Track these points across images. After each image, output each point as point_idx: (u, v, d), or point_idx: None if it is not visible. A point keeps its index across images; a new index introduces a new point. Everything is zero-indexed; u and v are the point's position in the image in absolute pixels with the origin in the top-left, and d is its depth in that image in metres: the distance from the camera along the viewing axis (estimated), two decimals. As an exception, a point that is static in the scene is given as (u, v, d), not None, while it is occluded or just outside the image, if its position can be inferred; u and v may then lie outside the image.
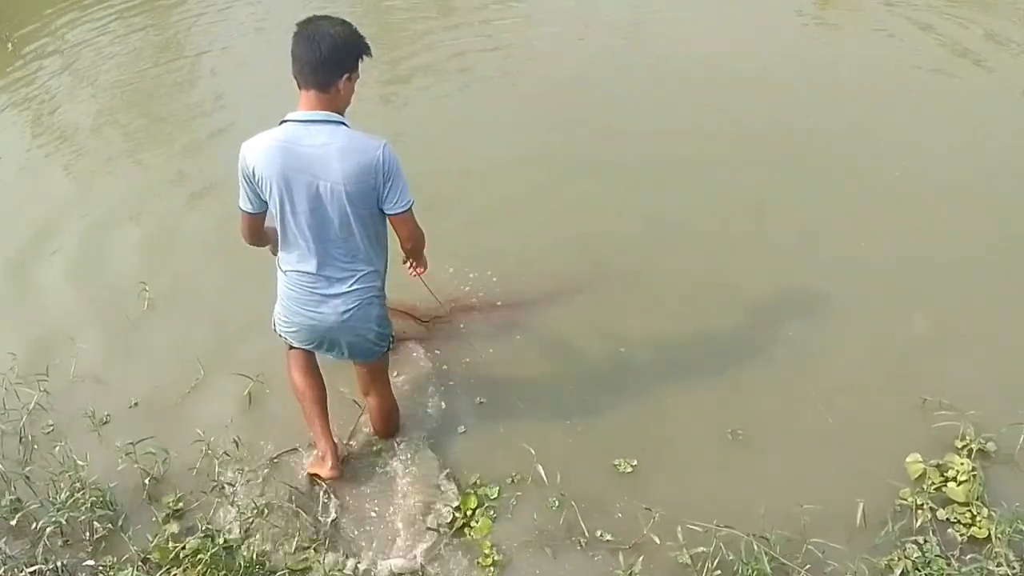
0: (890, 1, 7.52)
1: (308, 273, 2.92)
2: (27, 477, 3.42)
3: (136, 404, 3.86)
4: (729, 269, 4.48)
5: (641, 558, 3.11)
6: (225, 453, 3.54)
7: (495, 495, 3.37)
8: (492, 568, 3.14)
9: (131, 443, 3.43)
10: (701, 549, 3.07)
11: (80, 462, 3.40)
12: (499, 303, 4.29)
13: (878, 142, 5.51)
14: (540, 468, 3.34)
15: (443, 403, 3.80)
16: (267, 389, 3.83)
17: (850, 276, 4.41)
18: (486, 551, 3.17)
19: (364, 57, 2.74)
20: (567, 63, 6.65)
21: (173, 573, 3.02)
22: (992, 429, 3.49)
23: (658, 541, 3.12)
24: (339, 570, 3.10)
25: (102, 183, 5.52)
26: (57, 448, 3.50)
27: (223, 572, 3.01)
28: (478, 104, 6.21)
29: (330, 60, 2.63)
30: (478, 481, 3.44)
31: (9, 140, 6.19)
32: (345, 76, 2.67)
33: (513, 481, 3.41)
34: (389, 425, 3.55)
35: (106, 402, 3.86)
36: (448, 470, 3.49)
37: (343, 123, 2.72)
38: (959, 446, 3.42)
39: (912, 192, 4.99)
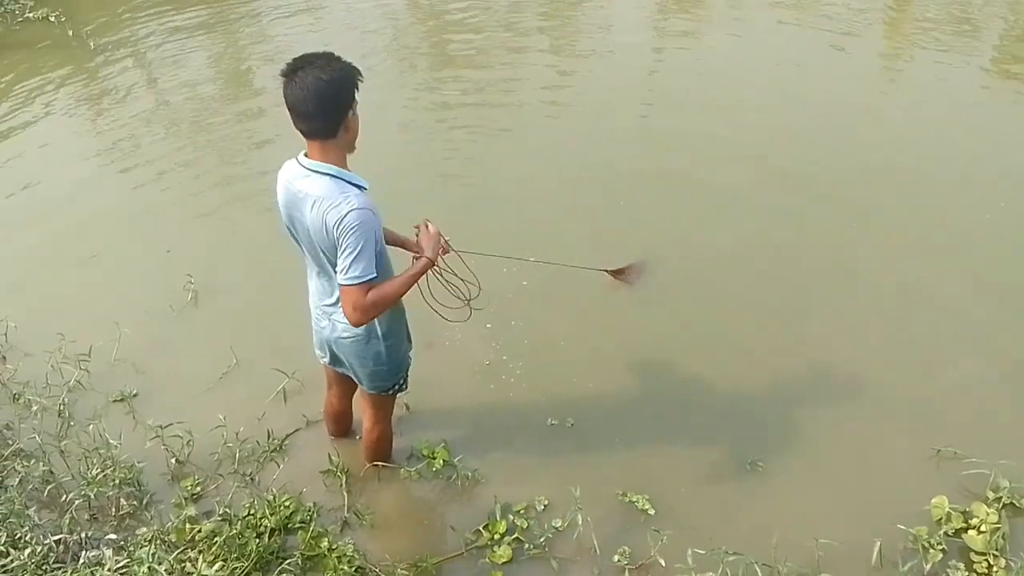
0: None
1: (313, 290, 2.97)
2: (62, 451, 3.56)
3: (168, 388, 3.99)
4: (770, 307, 4.48)
5: (648, 580, 3.10)
6: (247, 440, 3.65)
7: (526, 526, 3.32)
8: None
9: (160, 425, 3.56)
10: (710, 574, 3.04)
11: (112, 441, 3.51)
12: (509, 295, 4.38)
13: (931, 185, 5.51)
14: (580, 513, 3.27)
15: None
16: (303, 387, 3.92)
17: (890, 318, 4.37)
18: None
19: (359, 85, 2.56)
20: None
21: (189, 554, 3.09)
22: (1021, 480, 3.41)
23: (664, 564, 3.10)
24: (349, 560, 3.14)
25: (158, 180, 5.74)
26: (92, 426, 3.63)
27: (236, 555, 3.08)
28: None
29: (324, 109, 2.49)
30: (519, 508, 3.40)
31: (72, 132, 6.51)
32: (346, 117, 2.53)
33: (551, 525, 3.33)
34: (367, 452, 3.52)
35: (141, 385, 4.01)
36: (495, 487, 3.50)
37: (329, 174, 2.58)
38: (990, 497, 3.35)
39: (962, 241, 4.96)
